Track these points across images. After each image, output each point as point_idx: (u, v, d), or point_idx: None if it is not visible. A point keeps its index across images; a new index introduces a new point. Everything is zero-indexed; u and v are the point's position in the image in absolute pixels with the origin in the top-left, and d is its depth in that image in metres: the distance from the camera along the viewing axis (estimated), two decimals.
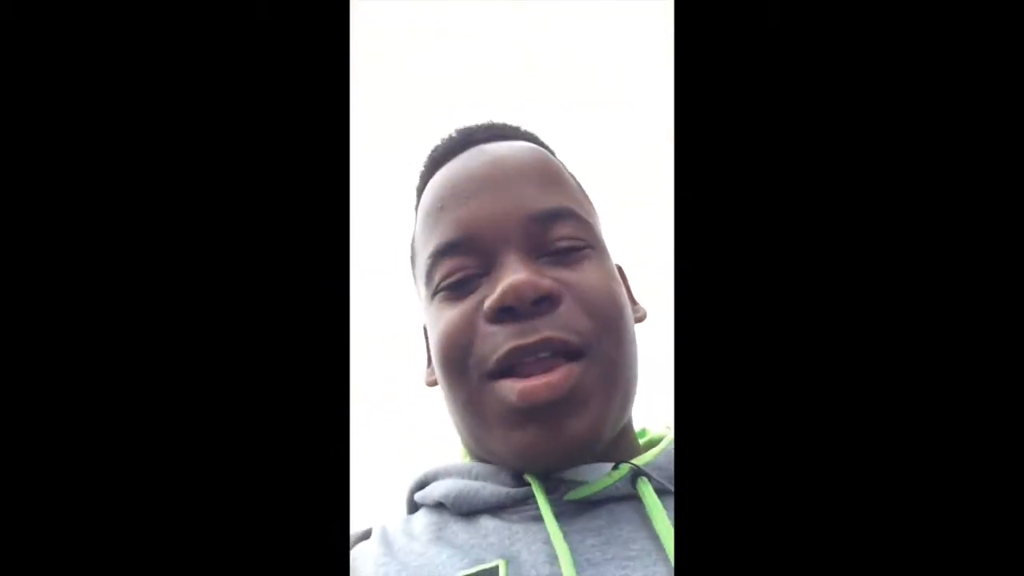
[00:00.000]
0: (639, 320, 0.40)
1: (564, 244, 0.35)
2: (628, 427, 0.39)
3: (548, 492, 0.33)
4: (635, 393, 0.37)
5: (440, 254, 0.36)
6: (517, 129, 0.43)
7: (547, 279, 0.33)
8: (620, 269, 0.42)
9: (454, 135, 0.41)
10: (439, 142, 0.42)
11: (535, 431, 0.32)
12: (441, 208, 0.37)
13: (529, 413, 0.32)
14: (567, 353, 0.33)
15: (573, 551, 0.30)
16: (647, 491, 0.32)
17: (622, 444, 0.37)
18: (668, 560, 0.29)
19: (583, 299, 0.34)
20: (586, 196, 0.41)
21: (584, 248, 0.36)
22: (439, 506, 0.36)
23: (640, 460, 0.34)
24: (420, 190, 0.42)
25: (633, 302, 0.42)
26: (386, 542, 0.35)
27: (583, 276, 0.35)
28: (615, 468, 0.33)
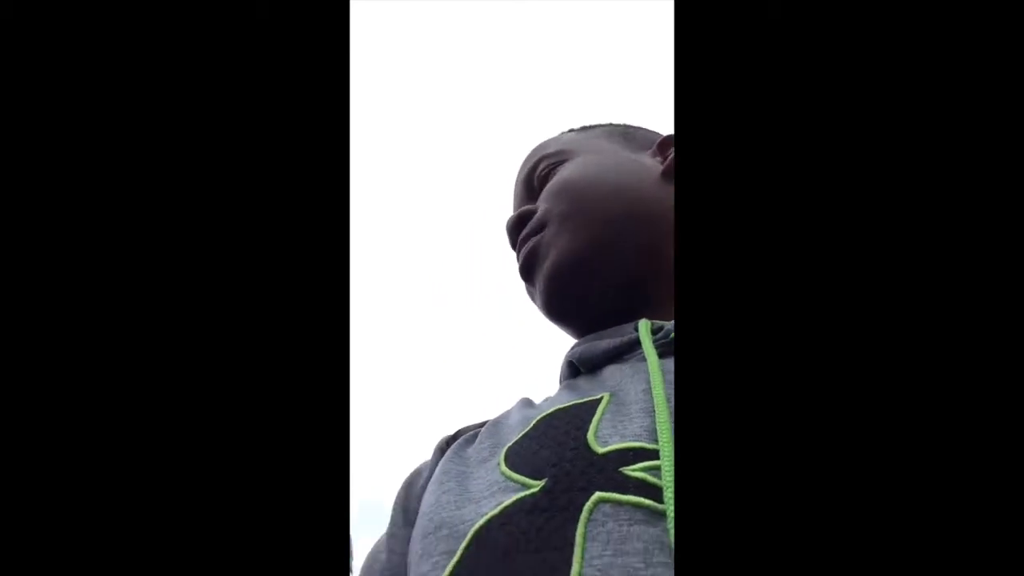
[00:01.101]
0: (663, 168, 0.48)
1: (541, 175, 0.51)
2: None
3: (654, 334, 0.38)
4: (623, 216, 0.45)
5: None
6: None
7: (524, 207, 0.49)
8: (630, 131, 0.54)
9: None
10: None
11: (533, 290, 0.47)
12: None
13: (528, 279, 0.47)
14: (533, 233, 0.46)
15: (669, 371, 0.33)
16: None
17: None
18: None
19: (544, 197, 0.48)
20: (577, 133, 0.55)
21: (552, 167, 0.49)
22: (573, 368, 0.43)
23: None
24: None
25: (658, 152, 0.50)
26: (529, 401, 0.42)
27: (549, 183, 0.49)
28: None
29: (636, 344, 0.38)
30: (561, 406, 0.35)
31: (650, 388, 0.32)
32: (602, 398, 0.34)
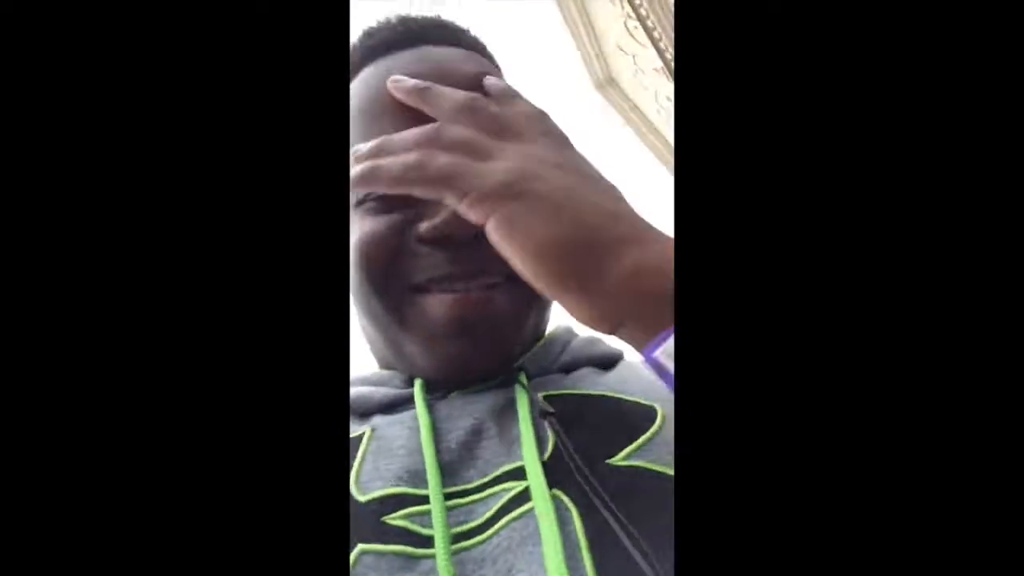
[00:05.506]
0: None
1: None
2: None
3: (433, 391, 0.37)
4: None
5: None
6: (465, 32, 0.41)
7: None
8: None
9: (399, 27, 0.39)
10: (378, 26, 0.40)
11: (467, 344, 0.34)
12: (382, 112, 0.35)
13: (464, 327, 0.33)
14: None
15: (439, 419, 0.33)
16: (521, 379, 0.36)
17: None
18: (525, 422, 0.32)
19: None
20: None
21: None
22: None
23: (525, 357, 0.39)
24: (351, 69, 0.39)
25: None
26: None
27: None
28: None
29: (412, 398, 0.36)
30: None
31: (417, 428, 0.33)
32: (363, 434, 0.34)
